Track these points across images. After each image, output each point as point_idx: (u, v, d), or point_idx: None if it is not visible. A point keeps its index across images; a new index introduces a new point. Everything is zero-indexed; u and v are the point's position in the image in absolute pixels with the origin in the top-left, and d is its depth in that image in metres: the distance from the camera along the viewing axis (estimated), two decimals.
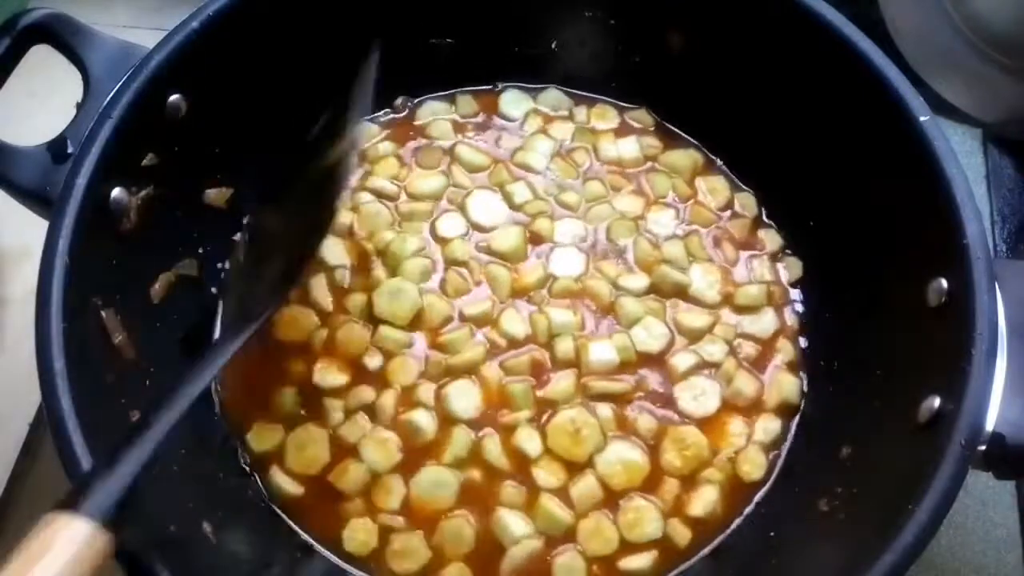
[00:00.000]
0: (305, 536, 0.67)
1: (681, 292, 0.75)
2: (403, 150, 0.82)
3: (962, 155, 0.85)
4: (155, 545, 0.53)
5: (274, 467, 0.69)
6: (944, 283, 0.60)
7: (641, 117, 0.84)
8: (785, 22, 0.70)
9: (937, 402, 0.56)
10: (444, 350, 0.72)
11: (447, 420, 0.69)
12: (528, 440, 0.69)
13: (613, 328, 0.73)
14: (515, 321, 0.73)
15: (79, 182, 0.59)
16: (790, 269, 0.78)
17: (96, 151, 0.60)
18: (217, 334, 0.73)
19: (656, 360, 0.72)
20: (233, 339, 0.60)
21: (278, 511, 0.68)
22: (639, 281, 0.75)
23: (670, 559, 0.67)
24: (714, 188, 0.81)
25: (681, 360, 0.72)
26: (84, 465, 0.52)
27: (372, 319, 0.73)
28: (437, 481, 0.68)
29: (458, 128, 0.83)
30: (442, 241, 0.77)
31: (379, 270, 0.75)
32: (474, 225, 0.78)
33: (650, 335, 0.73)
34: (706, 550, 0.68)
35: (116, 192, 0.63)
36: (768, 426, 0.71)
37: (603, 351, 0.71)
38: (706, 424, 0.71)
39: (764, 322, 0.75)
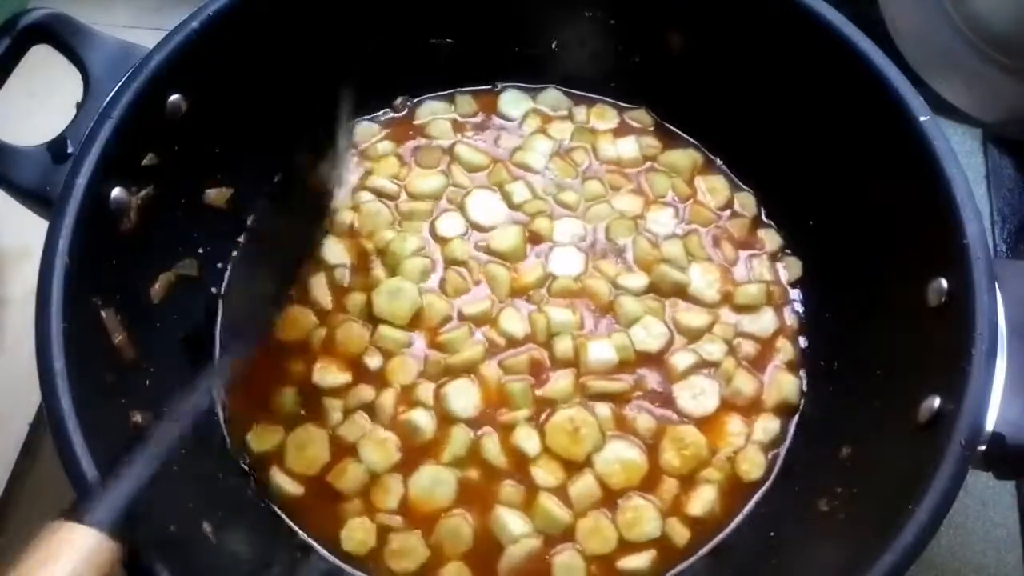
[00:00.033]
0: (304, 536, 0.68)
1: (680, 291, 0.75)
2: (402, 149, 0.82)
3: (962, 155, 0.85)
4: (155, 545, 0.53)
5: (274, 467, 0.69)
6: (944, 283, 0.60)
7: (640, 117, 0.84)
8: (785, 22, 0.70)
9: (937, 402, 0.56)
10: (443, 349, 0.72)
11: (446, 419, 0.70)
12: (527, 439, 0.69)
13: (612, 327, 0.73)
14: (514, 320, 0.73)
15: (79, 182, 0.59)
16: (790, 269, 0.78)
17: (96, 151, 0.60)
18: (218, 337, 0.74)
19: (655, 359, 0.72)
20: (238, 351, 0.61)
21: (278, 511, 0.68)
22: (638, 280, 0.75)
23: (669, 558, 0.67)
24: (714, 187, 0.81)
25: (680, 359, 0.72)
26: (84, 465, 0.52)
27: (371, 318, 0.73)
28: (435, 480, 0.68)
29: (457, 128, 0.83)
30: (441, 241, 0.77)
31: (378, 269, 0.75)
32: (473, 225, 0.78)
33: (649, 334, 0.73)
34: (705, 549, 0.68)
35: (116, 192, 0.63)
36: (767, 426, 0.71)
37: (602, 350, 0.71)
38: (705, 423, 0.71)
39: (763, 321, 0.75)
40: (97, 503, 0.47)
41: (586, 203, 0.79)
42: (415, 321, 0.73)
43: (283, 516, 0.68)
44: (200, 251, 0.73)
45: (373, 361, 0.71)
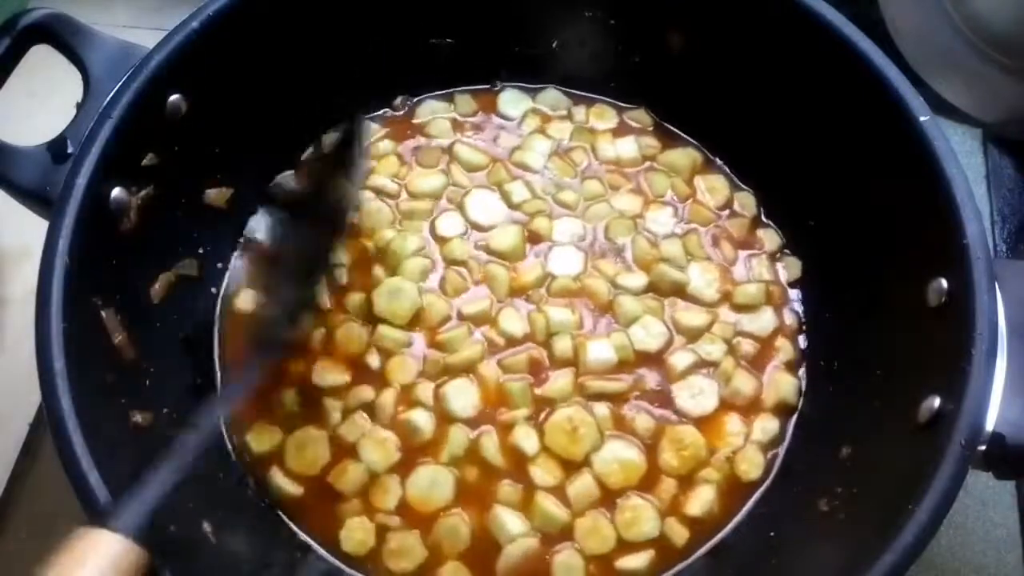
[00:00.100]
0: (304, 536, 0.68)
1: (679, 290, 0.75)
2: (402, 148, 0.82)
3: (962, 155, 0.85)
4: (155, 545, 0.53)
5: (274, 467, 0.69)
6: (944, 283, 0.60)
7: (640, 117, 0.84)
8: (785, 22, 0.70)
9: (937, 402, 0.56)
10: (442, 348, 0.72)
11: (445, 419, 0.70)
12: (525, 438, 0.69)
13: (611, 327, 0.73)
14: (513, 320, 0.73)
15: (79, 182, 0.59)
16: (789, 269, 0.78)
17: (96, 151, 0.60)
18: (216, 339, 0.74)
19: (654, 359, 0.72)
20: (260, 364, 0.62)
21: (278, 511, 0.68)
22: (637, 280, 0.75)
23: (667, 558, 0.67)
24: (713, 187, 0.81)
25: (679, 359, 0.72)
26: (84, 465, 0.53)
27: (371, 318, 0.73)
28: (433, 480, 0.68)
29: (456, 127, 0.83)
30: (441, 240, 0.77)
31: (378, 268, 0.75)
32: (473, 224, 0.78)
33: (648, 334, 0.73)
34: (704, 549, 0.68)
35: (116, 192, 0.63)
36: (766, 426, 0.71)
37: (601, 350, 0.71)
38: (704, 423, 0.71)
39: (763, 321, 0.75)
40: (123, 509, 0.47)
41: (585, 203, 0.79)
42: (415, 321, 0.73)
43: (283, 516, 0.68)
44: (200, 251, 0.73)
45: (373, 361, 0.71)
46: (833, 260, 0.74)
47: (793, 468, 0.70)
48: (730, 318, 0.75)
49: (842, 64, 0.67)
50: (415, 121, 0.83)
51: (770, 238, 0.79)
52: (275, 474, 0.68)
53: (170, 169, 0.67)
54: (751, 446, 0.70)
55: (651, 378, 0.72)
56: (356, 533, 0.67)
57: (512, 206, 0.78)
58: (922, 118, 0.63)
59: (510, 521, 0.66)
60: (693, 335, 0.74)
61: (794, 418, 0.73)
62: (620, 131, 0.83)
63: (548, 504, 0.67)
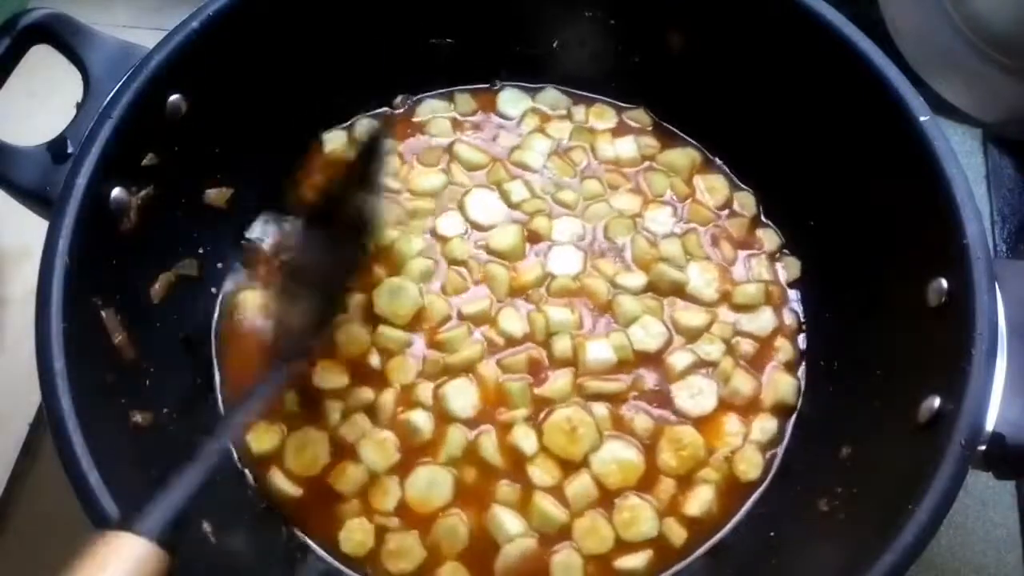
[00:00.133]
0: (303, 537, 0.68)
1: (678, 290, 0.75)
2: (403, 147, 0.82)
3: (962, 155, 0.85)
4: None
5: (273, 468, 0.69)
6: (944, 283, 0.60)
7: (639, 117, 0.84)
8: (785, 22, 0.70)
9: (937, 402, 0.56)
10: (442, 348, 0.72)
11: (444, 419, 0.70)
12: (524, 438, 0.69)
13: (611, 327, 0.73)
14: (513, 319, 0.73)
15: (79, 182, 0.59)
16: (788, 269, 0.78)
17: (96, 151, 0.60)
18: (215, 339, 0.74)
19: (653, 359, 0.72)
20: (278, 376, 0.63)
21: (277, 512, 0.68)
22: (637, 279, 0.75)
23: (666, 558, 0.67)
24: (713, 187, 0.81)
25: (678, 359, 0.72)
26: (84, 465, 0.53)
27: (371, 318, 0.73)
28: (432, 480, 0.68)
29: (456, 126, 0.83)
30: (441, 240, 0.77)
31: (379, 267, 0.74)
32: (472, 224, 0.78)
33: (648, 334, 0.73)
34: (703, 549, 0.68)
35: (116, 192, 0.63)
36: (765, 426, 0.71)
37: (600, 350, 0.71)
38: (702, 423, 0.71)
39: (762, 320, 0.75)
40: (146, 512, 0.47)
41: (584, 202, 0.79)
42: (415, 321, 0.72)
43: (282, 517, 0.68)
44: (200, 251, 0.73)
45: (373, 361, 0.71)
46: (833, 260, 0.74)
47: (793, 468, 0.70)
48: (729, 318, 0.75)
49: (842, 64, 0.67)
50: (415, 120, 0.83)
51: (769, 238, 0.79)
52: (274, 474, 0.68)
53: (170, 169, 0.67)
54: (750, 446, 0.70)
55: (650, 378, 0.72)
56: (356, 534, 0.67)
57: (511, 205, 0.78)
58: (922, 118, 0.63)
59: (508, 521, 0.66)
60: (692, 335, 0.74)
61: (793, 418, 0.73)
62: (619, 131, 0.83)
63: (546, 504, 0.67)
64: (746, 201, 0.81)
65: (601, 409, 0.70)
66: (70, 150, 0.63)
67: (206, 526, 0.61)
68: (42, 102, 0.87)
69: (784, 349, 0.74)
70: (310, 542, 0.67)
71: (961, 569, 0.75)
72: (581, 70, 0.84)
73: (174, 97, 0.66)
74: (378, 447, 0.69)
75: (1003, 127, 0.93)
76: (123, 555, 0.45)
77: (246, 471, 0.69)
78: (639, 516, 0.67)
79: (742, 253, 0.78)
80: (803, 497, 0.66)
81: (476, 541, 0.67)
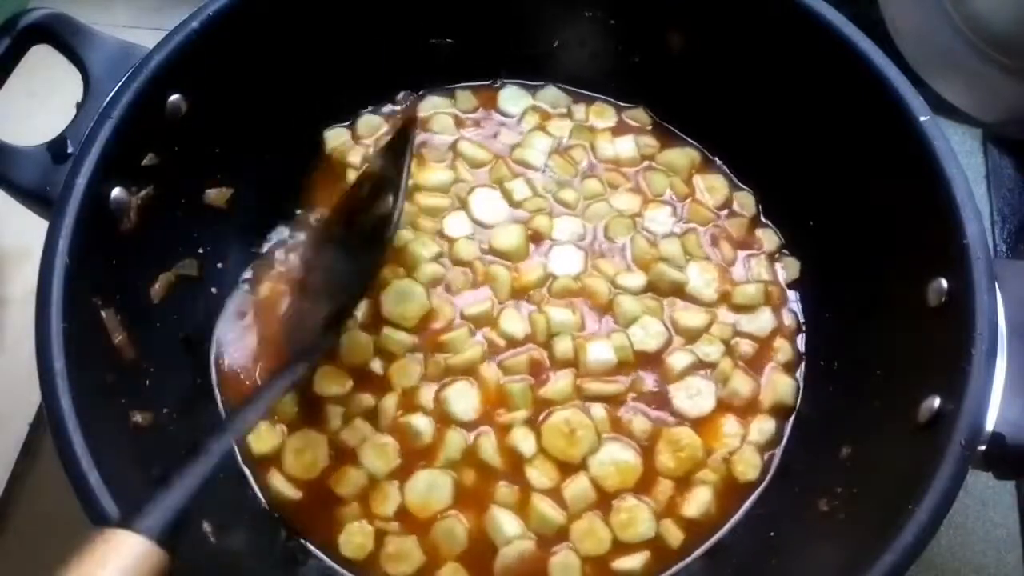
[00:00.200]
0: (303, 539, 0.67)
1: (678, 290, 0.75)
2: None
3: (962, 155, 0.85)
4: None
5: (273, 470, 0.69)
6: (944, 283, 0.60)
7: (639, 116, 0.84)
8: (785, 22, 0.70)
9: (937, 402, 0.56)
10: (443, 350, 0.71)
11: (445, 422, 0.69)
12: (523, 440, 0.68)
13: (611, 327, 0.73)
14: (514, 321, 0.73)
15: (79, 182, 0.59)
16: (788, 269, 0.78)
17: (96, 151, 0.60)
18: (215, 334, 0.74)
19: (653, 360, 0.72)
20: (287, 376, 0.62)
21: (277, 514, 0.68)
22: (637, 279, 0.75)
23: (664, 559, 0.67)
24: (712, 187, 0.81)
25: (678, 360, 0.72)
26: (84, 465, 0.53)
27: (377, 320, 0.72)
28: (431, 484, 0.68)
29: (458, 123, 0.83)
30: (449, 241, 0.76)
31: (385, 269, 0.74)
32: (476, 222, 0.77)
33: (647, 334, 0.73)
34: (701, 550, 0.68)
35: (116, 192, 0.63)
36: (763, 427, 0.71)
37: (601, 351, 0.71)
38: (700, 425, 0.71)
39: (761, 321, 0.75)
40: (147, 511, 0.47)
41: (585, 201, 0.79)
42: (420, 323, 0.72)
43: (281, 519, 0.68)
44: (200, 251, 0.73)
45: (375, 365, 0.71)
46: (833, 260, 0.74)
47: (792, 468, 0.70)
48: (728, 318, 0.75)
49: (842, 64, 0.67)
50: (418, 115, 0.83)
51: (769, 238, 0.79)
52: (274, 476, 0.68)
53: (170, 169, 0.67)
54: (748, 447, 0.70)
55: (649, 379, 0.72)
56: (355, 537, 0.66)
57: (513, 204, 0.78)
58: (922, 118, 0.63)
59: (507, 523, 0.66)
60: (692, 335, 0.73)
61: (792, 419, 0.72)
62: (619, 130, 0.83)
63: (544, 506, 0.67)
64: (746, 201, 0.81)
65: (599, 411, 0.70)
66: (70, 150, 0.63)
67: (206, 526, 0.61)
68: (42, 102, 0.87)
69: (783, 350, 0.74)
70: (310, 545, 0.67)
71: (961, 569, 0.75)
72: (581, 70, 0.84)
73: (174, 97, 0.66)
74: (379, 452, 0.68)
75: (1003, 127, 0.93)
76: (122, 552, 0.45)
77: (247, 471, 0.69)
78: (636, 517, 0.67)
79: (741, 253, 0.78)
80: (803, 497, 0.66)
81: (475, 543, 0.66)
